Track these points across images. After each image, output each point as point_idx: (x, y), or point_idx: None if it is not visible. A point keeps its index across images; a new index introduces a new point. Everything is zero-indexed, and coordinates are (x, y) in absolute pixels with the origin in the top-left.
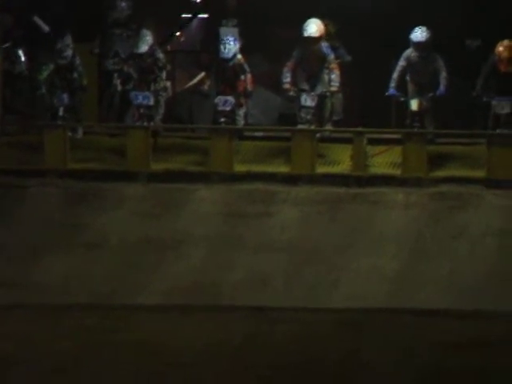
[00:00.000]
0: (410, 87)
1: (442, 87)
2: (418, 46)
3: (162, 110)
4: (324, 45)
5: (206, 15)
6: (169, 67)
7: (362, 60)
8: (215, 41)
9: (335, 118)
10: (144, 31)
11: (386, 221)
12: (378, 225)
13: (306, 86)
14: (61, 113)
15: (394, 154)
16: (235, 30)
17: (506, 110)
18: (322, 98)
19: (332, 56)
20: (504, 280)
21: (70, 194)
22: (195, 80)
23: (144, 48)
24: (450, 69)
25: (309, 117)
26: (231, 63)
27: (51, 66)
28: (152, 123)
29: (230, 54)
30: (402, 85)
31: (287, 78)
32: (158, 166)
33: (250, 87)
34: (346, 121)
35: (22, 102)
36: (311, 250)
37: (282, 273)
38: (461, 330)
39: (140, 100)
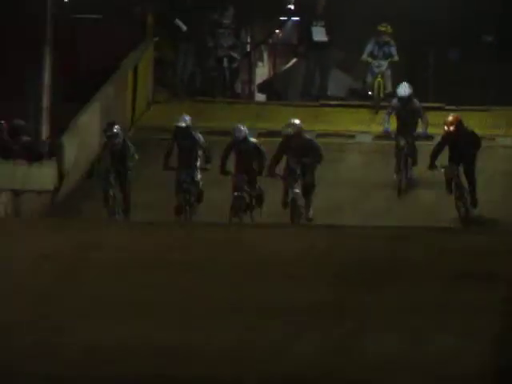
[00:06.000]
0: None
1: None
2: (402, 99)
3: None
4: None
5: (297, 18)
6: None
7: (405, 62)
8: (308, 36)
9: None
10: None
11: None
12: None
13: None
14: None
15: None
16: (323, 30)
17: None
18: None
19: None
20: None
21: None
22: (289, 64)
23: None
24: None
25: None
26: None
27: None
28: None
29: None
30: None
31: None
32: None
33: None
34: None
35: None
36: (370, 185)
37: (351, 201)
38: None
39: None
